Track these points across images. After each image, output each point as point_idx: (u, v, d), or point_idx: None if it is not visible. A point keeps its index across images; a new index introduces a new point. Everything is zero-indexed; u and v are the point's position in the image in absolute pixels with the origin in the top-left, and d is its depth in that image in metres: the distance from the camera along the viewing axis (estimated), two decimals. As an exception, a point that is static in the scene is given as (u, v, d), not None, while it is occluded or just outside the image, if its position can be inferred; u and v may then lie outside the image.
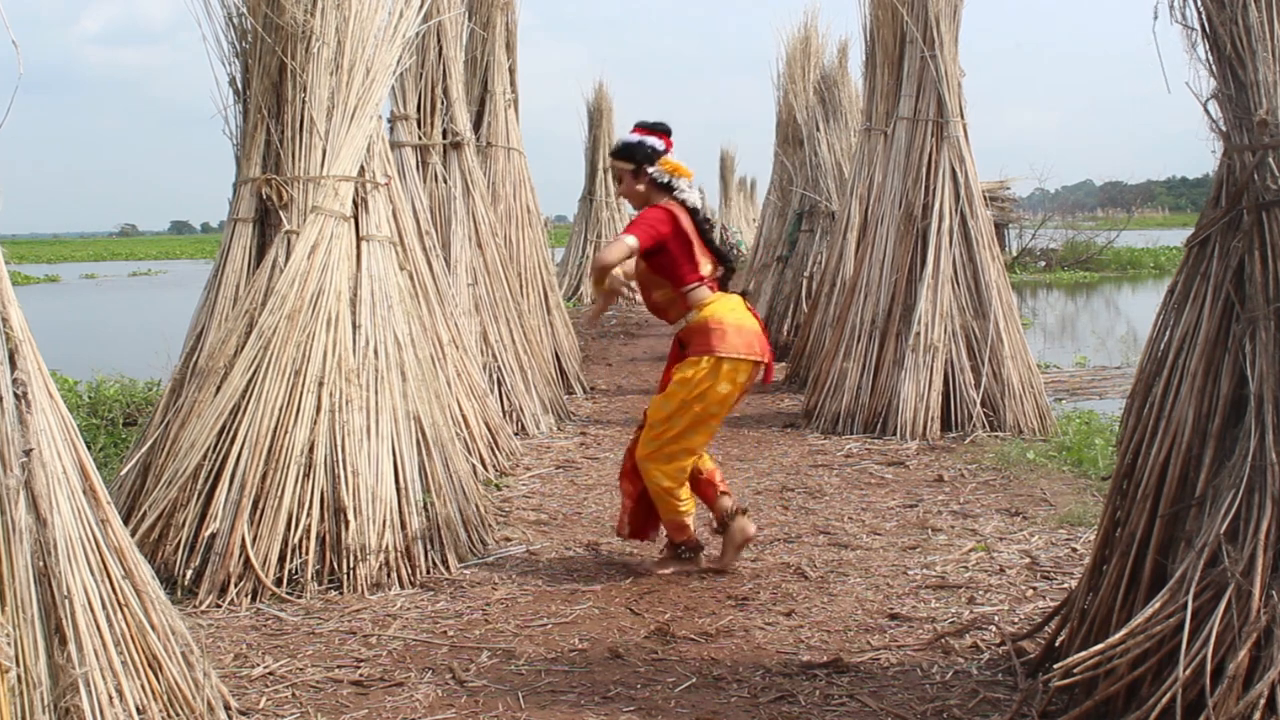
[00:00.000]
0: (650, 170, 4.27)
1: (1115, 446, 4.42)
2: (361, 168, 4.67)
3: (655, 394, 4.41)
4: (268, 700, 3.24)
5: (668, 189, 4.27)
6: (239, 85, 4.71)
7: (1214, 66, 2.83)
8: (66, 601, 2.43)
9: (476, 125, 8.29)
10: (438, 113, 7.25)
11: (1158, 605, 2.67)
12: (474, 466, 5.60)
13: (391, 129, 7.03)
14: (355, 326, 4.48)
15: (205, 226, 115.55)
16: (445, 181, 7.34)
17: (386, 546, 4.22)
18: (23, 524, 2.36)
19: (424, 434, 4.54)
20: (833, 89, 10.93)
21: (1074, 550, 4.55)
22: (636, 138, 4.31)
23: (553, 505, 5.57)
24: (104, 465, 5.60)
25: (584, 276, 18.57)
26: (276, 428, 4.21)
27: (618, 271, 4.20)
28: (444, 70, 7.25)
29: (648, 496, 4.34)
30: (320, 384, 4.30)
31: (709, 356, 4.16)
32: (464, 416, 5.95)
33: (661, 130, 4.33)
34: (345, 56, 4.59)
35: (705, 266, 4.26)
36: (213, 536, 4.08)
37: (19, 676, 2.30)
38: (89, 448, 2.78)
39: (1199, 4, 2.82)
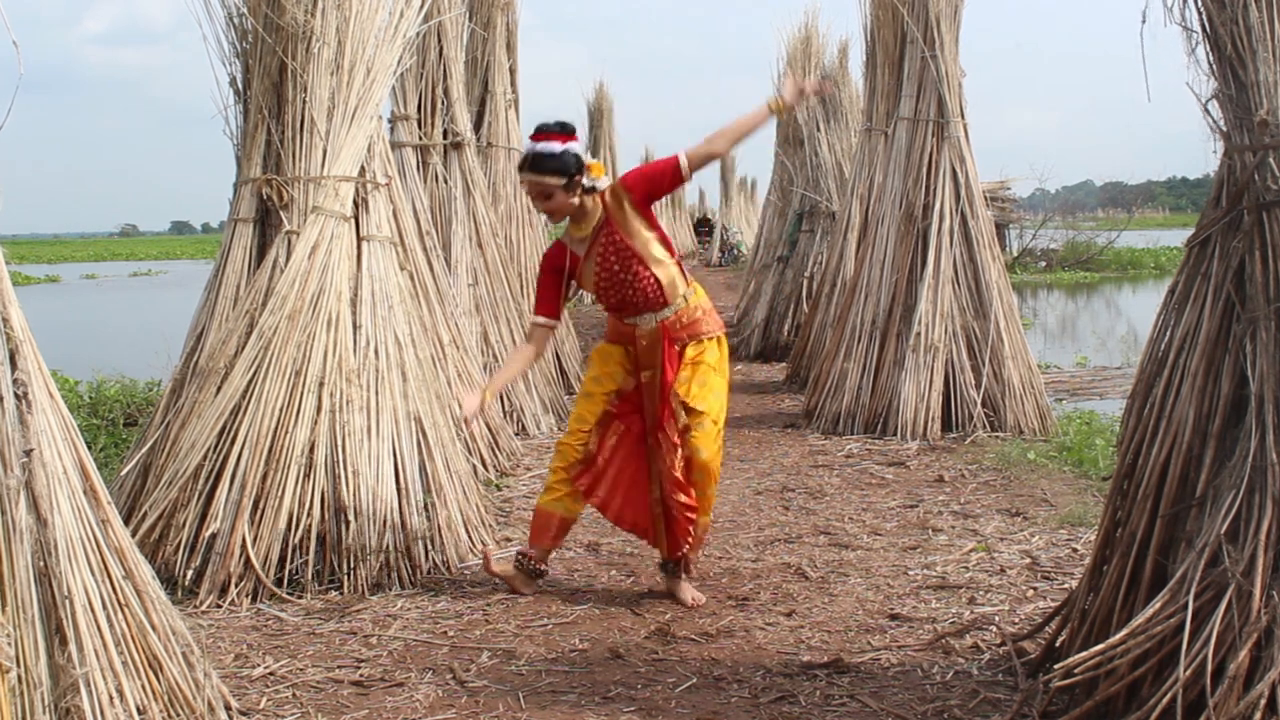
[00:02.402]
0: (584, 180, 3.88)
1: (1116, 447, 4.41)
2: (362, 168, 4.68)
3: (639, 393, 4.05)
4: (268, 700, 3.24)
5: (593, 191, 3.92)
6: (239, 85, 4.71)
7: (1214, 67, 2.83)
8: (67, 602, 2.43)
9: (477, 125, 8.29)
10: (438, 113, 7.25)
11: (1158, 605, 2.67)
12: (474, 467, 5.60)
13: (392, 129, 7.03)
14: (356, 327, 4.48)
15: (206, 227, 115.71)
16: (446, 182, 7.34)
17: (387, 546, 4.22)
18: (23, 524, 2.36)
19: (424, 434, 4.54)
20: (833, 89, 10.94)
21: (1074, 550, 4.54)
22: (559, 146, 3.83)
23: (553, 505, 5.56)
24: (104, 465, 5.60)
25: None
26: (277, 428, 4.21)
27: None
28: (444, 70, 7.25)
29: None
30: (321, 384, 4.30)
31: (718, 336, 4.06)
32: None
33: (571, 131, 3.91)
34: (346, 57, 4.59)
35: None
36: (213, 537, 4.08)
37: (19, 677, 2.30)
38: (89, 448, 2.78)
39: (1199, 4, 2.82)
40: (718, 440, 3.99)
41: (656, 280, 3.92)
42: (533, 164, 3.86)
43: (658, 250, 3.94)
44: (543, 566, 4.19)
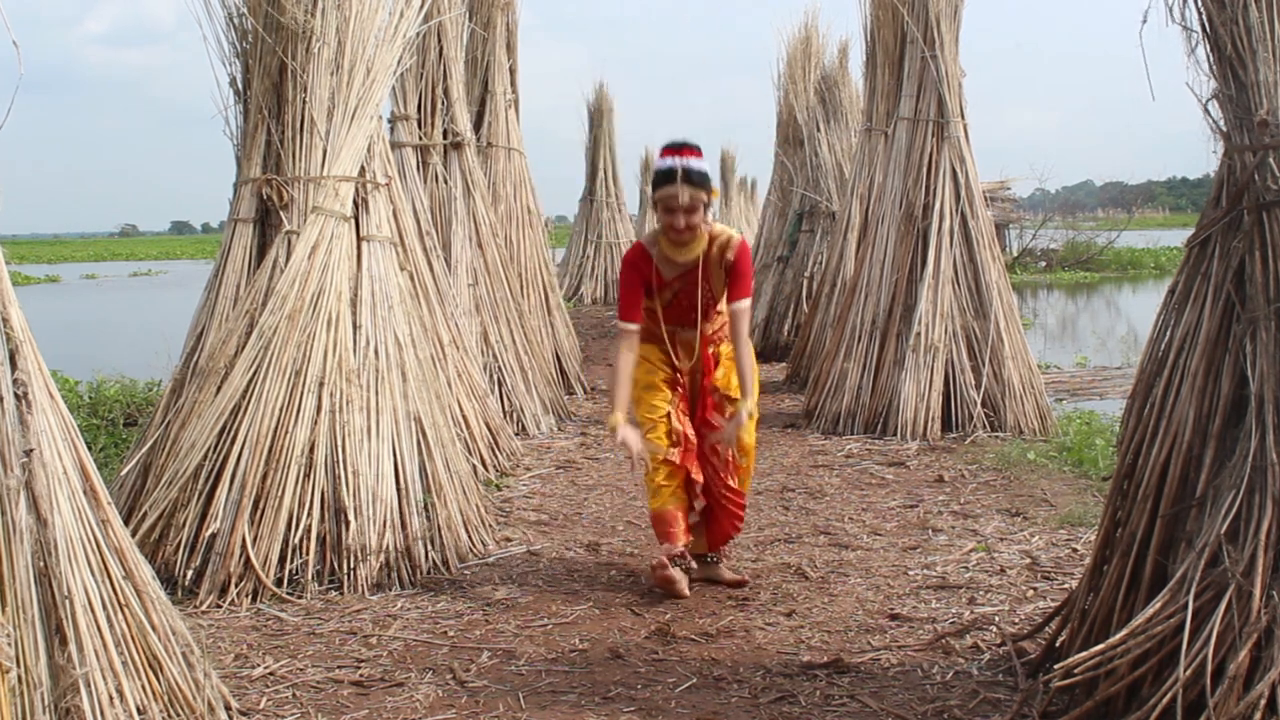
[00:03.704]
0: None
1: (1116, 447, 4.42)
2: (362, 168, 4.68)
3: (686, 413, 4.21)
4: (268, 700, 3.24)
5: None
6: (239, 85, 4.71)
7: (1214, 67, 2.83)
8: (67, 602, 2.43)
9: (477, 125, 8.29)
10: (438, 113, 7.25)
11: (1158, 605, 2.67)
12: (474, 467, 5.60)
13: (392, 129, 7.03)
14: (356, 327, 4.48)
15: (205, 227, 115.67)
16: (446, 182, 7.34)
17: (387, 547, 4.22)
18: (23, 524, 2.36)
19: (424, 434, 4.54)
20: (833, 89, 10.94)
21: (1074, 550, 4.55)
22: (704, 163, 3.92)
23: (553, 505, 5.57)
24: (104, 465, 5.60)
25: (584, 277, 18.61)
26: (277, 428, 4.21)
27: None
28: (444, 70, 7.25)
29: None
30: (321, 384, 4.30)
31: None
32: (464, 417, 5.95)
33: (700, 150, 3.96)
34: (346, 56, 4.59)
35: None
36: (213, 537, 4.08)
37: (19, 677, 2.30)
38: (89, 448, 2.78)
39: (1199, 5, 2.83)
40: (753, 426, 4.19)
41: (714, 316, 4.20)
42: (689, 177, 3.88)
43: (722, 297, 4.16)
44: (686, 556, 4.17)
